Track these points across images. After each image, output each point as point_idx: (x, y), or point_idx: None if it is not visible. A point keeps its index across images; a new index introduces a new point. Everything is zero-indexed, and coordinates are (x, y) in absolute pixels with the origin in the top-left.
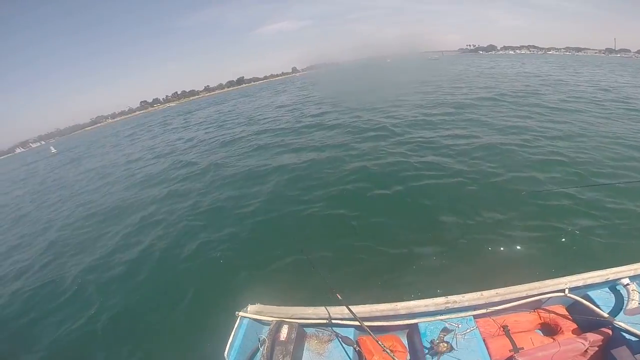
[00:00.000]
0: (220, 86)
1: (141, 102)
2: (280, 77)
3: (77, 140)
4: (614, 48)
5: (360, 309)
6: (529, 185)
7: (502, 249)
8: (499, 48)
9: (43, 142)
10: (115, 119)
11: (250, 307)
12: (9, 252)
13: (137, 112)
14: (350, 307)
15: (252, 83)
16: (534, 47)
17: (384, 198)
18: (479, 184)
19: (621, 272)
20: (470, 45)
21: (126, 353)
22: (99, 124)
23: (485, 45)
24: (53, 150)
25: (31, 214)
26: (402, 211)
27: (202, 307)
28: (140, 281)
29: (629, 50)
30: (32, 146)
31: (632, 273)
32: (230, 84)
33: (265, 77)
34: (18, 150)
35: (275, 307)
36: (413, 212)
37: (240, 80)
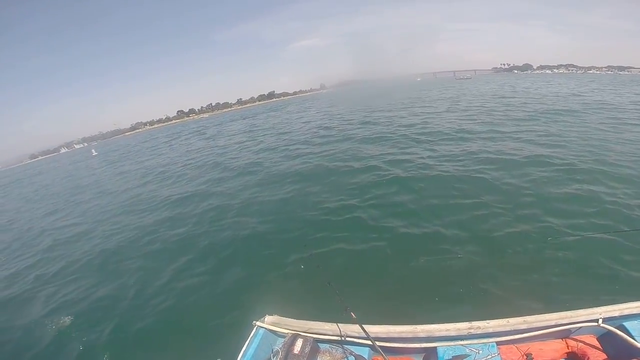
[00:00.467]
0: (252, 99)
1: (178, 112)
2: (309, 93)
3: (116, 143)
4: None
5: (376, 329)
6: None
7: (534, 276)
8: (535, 67)
9: (86, 144)
10: (153, 126)
11: (267, 318)
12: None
13: (174, 121)
14: (364, 326)
15: (282, 98)
16: (573, 66)
17: (411, 214)
18: (508, 211)
19: None
20: (504, 64)
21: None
22: (137, 130)
23: (521, 64)
24: (94, 152)
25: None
26: (428, 233)
27: (221, 314)
28: (162, 286)
29: None
30: (76, 147)
31: None
32: (262, 97)
33: (295, 93)
34: (63, 150)
35: (291, 319)
36: (439, 234)
37: (271, 95)
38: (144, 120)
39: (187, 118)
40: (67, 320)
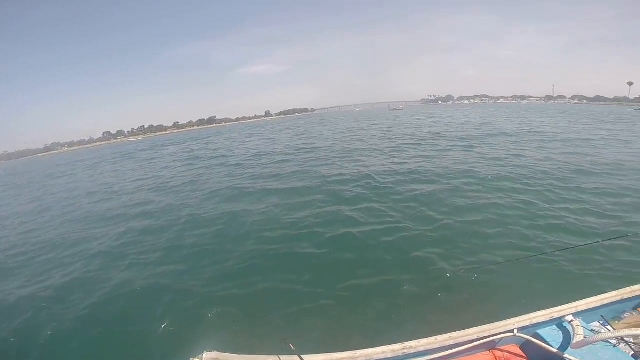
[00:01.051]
0: (190, 124)
1: (104, 133)
2: (253, 120)
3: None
4: (552, 95)
5: (317, 358)
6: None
7: (454, 292)
8: (456, 98)
9: None
10: (73, 148)
11: (205, 355)
12: None
13: (99, 143)
14: (304, 356)
15: (224, 124)
16: (486, 96)
17: (344, 239)
18: (411, 230)
19: (565, 310)
20: (431, 96)
21: None
22: (53, 152)
23: (444, 96)
24: None
25: None
26: (356, 256)
27: (153, 351)
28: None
29: (564, 97)
30: None
31: (574, 310)
32: (201, 122)
33: (238, 119)
34: None
35: (231, 355)
36: (366, 256)
37: (212, 120)
38: (63, 141)
39: (115, 140)
40: None
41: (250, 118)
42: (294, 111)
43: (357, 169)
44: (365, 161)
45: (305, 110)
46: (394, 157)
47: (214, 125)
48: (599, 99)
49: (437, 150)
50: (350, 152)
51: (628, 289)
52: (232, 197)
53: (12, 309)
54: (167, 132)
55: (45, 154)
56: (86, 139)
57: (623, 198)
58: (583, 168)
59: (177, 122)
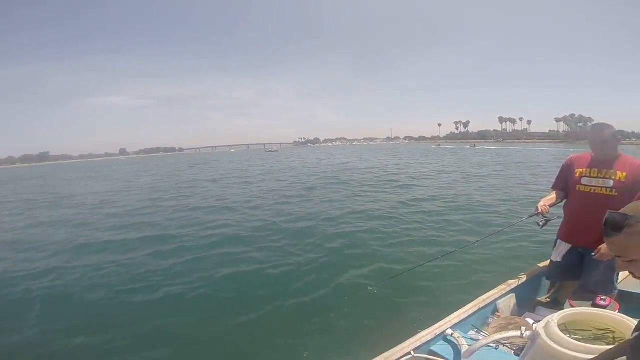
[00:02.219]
0: (11, 159)
1: None
2: (102, 158)
3: None
4: (391, 137)
5: None
6: None
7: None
8: (322, 140)
9: None
10: None
11: None
12: None
13: None
14: None
15: (61, 161)
16: (344, 138)
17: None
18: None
19: (444, 324)
20: (301, 138)
21: None
22: None
23: (312, 138)
24: None
25: None
26: None
27: None
28: None
29: (399, 137)
30: None
31: (450, 323)
32: (26, 158)
33: (82, 156)
34: None
35: None
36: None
37: (43, 156)
38: None
39: None
40: None
41: (99, 156)
42: (157, 149)
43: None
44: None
45: (172, 149)
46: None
47: (47, 162)
48: (422, 138)
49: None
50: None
51: (481, 297)
52: None
53: None
54: None
55: None
56: None
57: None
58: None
59: None
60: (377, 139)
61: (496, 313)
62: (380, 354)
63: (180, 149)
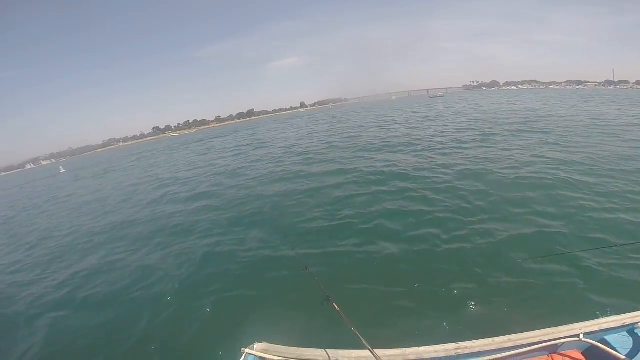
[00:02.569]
0: (231, 117)
1: (153, 128)
2: (289, 112)
3: (87, 160)
4: (613, 80)
5: (367, 353)
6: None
7: (513, 294)
8: (501, 84)
9: (54, 160)
10: (127, 143)
11: (257, 345)
12: None
13: (149, 138)
14: (350, 351)
15: (262, 116)
16: (536, 82)
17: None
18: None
19: (636, 317)
20: (474, 82)
21: None
22: (110, 147)
23: (489, 82)
24: (62, 170)
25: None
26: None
27: (205, 341)
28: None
29: (627, 82)
30: (43, 163)
31: None
32: (240, 115)
33: (274, 111)
34: (28, 167)
35: (282, 346)
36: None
37: (250, 113)
38: (118, 137)
39: (163, 135)
40: None
41: (286, 110)
42: (327, 102)
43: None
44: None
45: (339, 100)
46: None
47: (253, 117)
48: None
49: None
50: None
51: None
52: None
53: None
54: (210, 126)
55: (104, 149)
56: (138, 135)
57: None
58: None
59: (219, 116)
60: (587, 82)
61: None
62: (542, 329)
63: (346, 100)
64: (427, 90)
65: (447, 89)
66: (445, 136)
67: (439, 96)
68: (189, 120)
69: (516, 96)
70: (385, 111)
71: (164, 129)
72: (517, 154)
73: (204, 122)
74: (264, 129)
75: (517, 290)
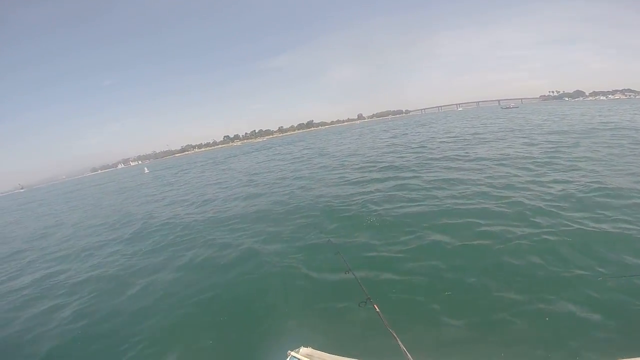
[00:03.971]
0: (292, 128)
1: (224, 137)
2: (346, 123)
3: (166, 163)
4: None
5: None
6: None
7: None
8: (587, 93)
9: (140, 162)
10: (201, 149)
11: (302, 349)
12: None
13: (220, 145)
14: None
15: (320, 127)
16: (630, 90)
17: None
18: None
19: None
20: (553, 92)
21: None
22: (187, 152)
23: (572, 91)
24: (146, 170)
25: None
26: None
27: (253, 339)
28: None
29: None
30: (132, 164)
31: None
32: (300, 126)
33: (332, 122)
34: (120, 166)
35: (327, 354)
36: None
37: (310, 124)
38: (193, 144)
39: (232, 143)
40: None
41: (344, 121)
42: (386, 113)
43: None
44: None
45: (400, 111)
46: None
47: (312, 128)
48: None
49: None
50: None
51: None
52: None
53: None
54: (274, 136)
55: (181, 154)
56: (210, 142)
57: None
58: None
59: (281, 127)
60: None
61: None
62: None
63: (407, 111)
64: (499, 100)
65: (521, 99)
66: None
67: (512, 107)
68: (254, 130)
69: (609, 109)
70: (453, 123)
71: (233, 137)
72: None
73: (268, 132)
74: (326, 140)
75: None
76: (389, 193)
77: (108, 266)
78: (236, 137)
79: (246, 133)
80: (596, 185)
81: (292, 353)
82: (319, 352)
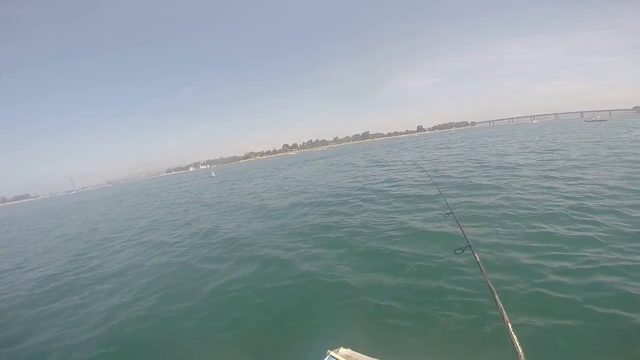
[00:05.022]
0: (347, 139)
1: (283, 145)
2: (405, 135)
3: (232, 169)
4: None
5: None
6: None
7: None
8: None
9: (208, 166)
10: (263, 157)
11: (341, 350)
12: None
13: (280, 154)
14: None
15: (376, 139)
16: None
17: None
18: None
19: None
20: None
21: None
22: (249, 159)
23: None
24: (213, 174)
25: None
26: None
27: (295, 336)
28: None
29: None
30: (201, 167)
31: None
32: (356, 137)
33: (389, 134)
34: (191, 169)
35: (366, 356)
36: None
37: (365, 135)
38: (256, 151)
39: (291, 152)
40: None
41: (401, 133)
42: (450, 125)
43: None
44: None
45: (465, 123)
46: None
47: (367, 140)
48: None
49: None
50: None
51: None
52: None
53: None
54: (329, 146)
55: (245, 160)
56: (271, 150)
57: None
58: None
59: (337, 137)
60: None
61: None
62: None
63: (473, 123)
64: (582, 113)
65: (609, 111)
66: None
67: (599, 120)
68: (311, 140)
69: None
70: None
71: (292, 146)
72: None
73: (324, 142)
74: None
75: None
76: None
77: (181, 257)
78: (295, 146)
79: (303, 142)
80: None
81: (332, 353)
82: (358, 354)
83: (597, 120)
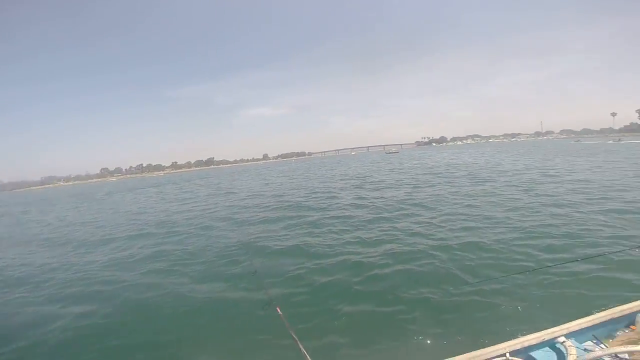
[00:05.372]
0: (188, 164)
1: (102, 169)
2: (251, 163)
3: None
4: (541, 131)
5: None
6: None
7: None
8: (448, 139)
9: None
10: (69, 183)
11: None
12: None
13: (95, 180)
14: None
15: (222, 165)
16: (478, 136)
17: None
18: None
19: (556, 332)
20: (425, 138)
21: None
22: (48, 185)
23: (438, 137)
24: None
25: None
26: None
27: None
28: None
29: (552, 132)
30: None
31: (566, 331)
32: (199, 163)
33: (235, 161)
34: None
35: None
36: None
37: (210, 162)
38: (59, 175)
39: (112, 178)
40: None
41: (248, 160)
42: (291, 155)
43: None
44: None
45: (303, 153)
46: None
47: (212, 166)
48: (586, 131)
49: None
50: None
51: (618, 307)
52: None
53: None
54: (164, 172)
55: (40, 187)
56: (83, 174)
57: None
58: None
59: (175, 162)
60: (520, 134)
61: (631, 327)
62: (471, 351)
63: (310, 153)
64: (384, 146)
65: (401, 145)
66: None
67: (394, 152)
68: (142, 164)
69: (459, 152)
70: (350, 165)
71: (114, 170)
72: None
73: (158, 167)
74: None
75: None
76: None
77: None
78: (117, 170)
79: (131, 167)
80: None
81: None
82: None
83: (393, 152)
